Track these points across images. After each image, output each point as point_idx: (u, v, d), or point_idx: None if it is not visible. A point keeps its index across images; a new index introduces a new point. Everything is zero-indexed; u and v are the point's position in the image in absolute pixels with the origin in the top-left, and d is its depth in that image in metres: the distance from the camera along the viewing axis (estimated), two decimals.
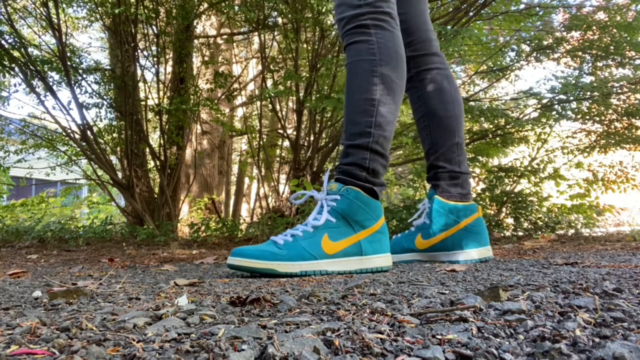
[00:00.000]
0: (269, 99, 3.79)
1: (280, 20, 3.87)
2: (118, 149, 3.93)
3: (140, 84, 4.05)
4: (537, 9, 3.51)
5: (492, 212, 3.39)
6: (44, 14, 3.29)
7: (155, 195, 4.08)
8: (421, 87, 1.59)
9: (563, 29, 3.62)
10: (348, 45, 1.38)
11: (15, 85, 3.69)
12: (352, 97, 1.34)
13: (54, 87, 3.44)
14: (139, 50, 3.80)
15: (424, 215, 1.55)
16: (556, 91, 3.28)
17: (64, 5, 3.91)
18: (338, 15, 1.40)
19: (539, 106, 3.51)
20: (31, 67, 3.21)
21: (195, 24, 4.57)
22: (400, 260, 1.53)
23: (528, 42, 3.58)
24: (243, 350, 0.47)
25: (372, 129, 1.30)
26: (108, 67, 4.25)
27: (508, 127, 3.52)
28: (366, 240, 1.27)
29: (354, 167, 1.30)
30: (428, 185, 1.61)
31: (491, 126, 3.66)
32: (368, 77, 1.32)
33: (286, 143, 4.49)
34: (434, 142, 1.57)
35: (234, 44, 5.62)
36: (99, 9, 3.67)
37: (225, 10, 3.99)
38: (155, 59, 3.86)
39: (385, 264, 1.28)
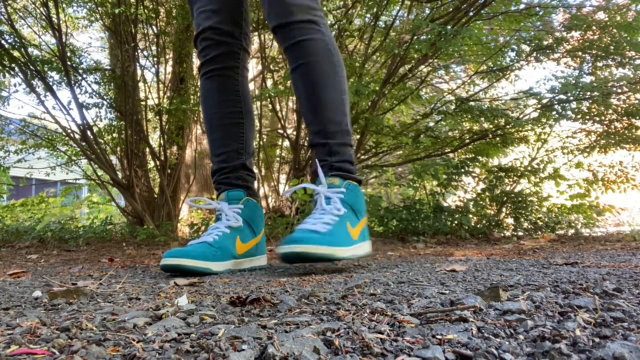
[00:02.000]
0: (269, 99, 3.79)
1: None
2: (118, 149, 3.93)
3: (140, 84, 4.04)
4: (537, 9, 3.50)
5: (492, 212, 3.39)
6: (44, 14, 3.29)
7: (155, 195, 4.08)
8: (242, 83, 1.54)
9: (563, 29, 3.62)
10: (301, 41, 1.33)
11: (15, 85, 3.68)
12: (327, 96, 1.35)
13: (54, 87, 3.44)
14: (139, 50, 3.80)
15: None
16: (556, 91, 3.28)
17: (64, 5, 3.90)
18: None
19: (539, 106, 3.51)
20: (31, 67, 3.21)
21: None
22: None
23: (528, 42, 3.57)
24: (243, 350, 0.47)
25: (349, 126, 1.38)
26: (108, 67, 4.25)
27: (508, 127, 3.52)
28: (365, 227, 1.39)
29: (347, 164, 1.37)
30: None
31: (491, 126, 3.66)
32: (335, 76, 1.36)
33: (286, 143, 4.49)
34: (247, 143, 1.53)
35: None
36: (99, 9, 3.67)
37: None
38: (155, 59, 3.86)
39: (369, 249, 1.40)
